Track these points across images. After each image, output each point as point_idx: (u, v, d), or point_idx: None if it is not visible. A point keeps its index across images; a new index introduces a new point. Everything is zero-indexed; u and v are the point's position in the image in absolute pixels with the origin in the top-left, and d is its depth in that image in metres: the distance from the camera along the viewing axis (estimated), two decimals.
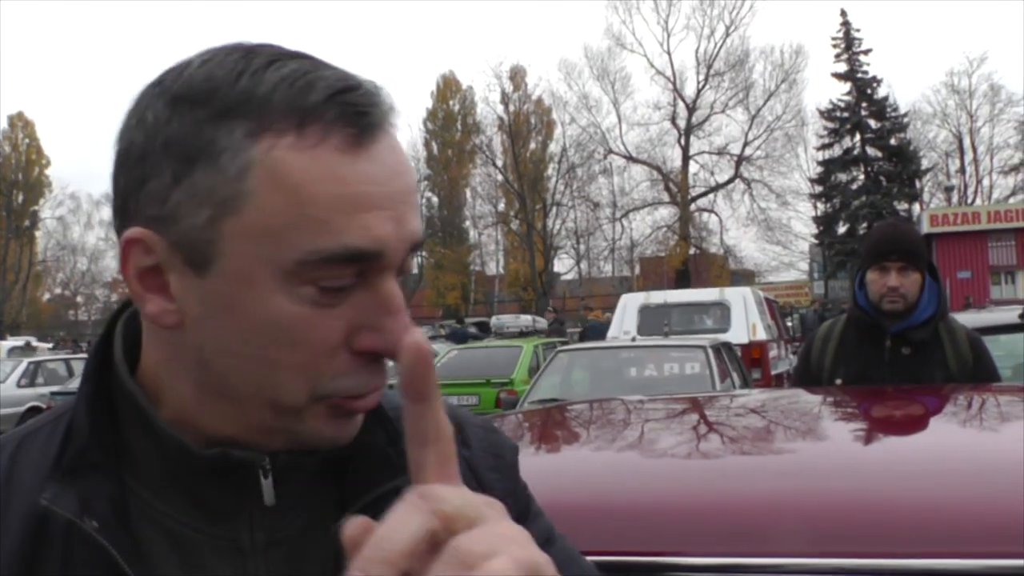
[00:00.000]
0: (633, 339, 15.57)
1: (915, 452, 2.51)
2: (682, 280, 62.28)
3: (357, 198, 1.07)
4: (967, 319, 6.72)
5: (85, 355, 26.76)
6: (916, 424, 3.00)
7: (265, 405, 1.13)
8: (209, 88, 1.08)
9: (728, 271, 67.87)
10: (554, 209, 74.78)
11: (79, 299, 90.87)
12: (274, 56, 1.10)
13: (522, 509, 1.42)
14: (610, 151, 71.40)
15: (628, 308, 19.22)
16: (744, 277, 65.09)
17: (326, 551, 1.21)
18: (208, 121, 1.07)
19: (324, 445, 1.18)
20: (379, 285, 1.11)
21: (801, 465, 2.37)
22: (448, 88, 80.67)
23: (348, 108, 1.09)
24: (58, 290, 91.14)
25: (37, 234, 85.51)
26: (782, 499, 2.03)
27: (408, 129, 74.23)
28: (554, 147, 75.88)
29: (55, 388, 24.89)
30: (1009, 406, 3.16)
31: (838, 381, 4.62)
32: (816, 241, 68.32)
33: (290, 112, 1.07)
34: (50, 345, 46.65)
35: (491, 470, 1.41)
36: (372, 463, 1.24)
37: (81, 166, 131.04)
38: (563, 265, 79.64)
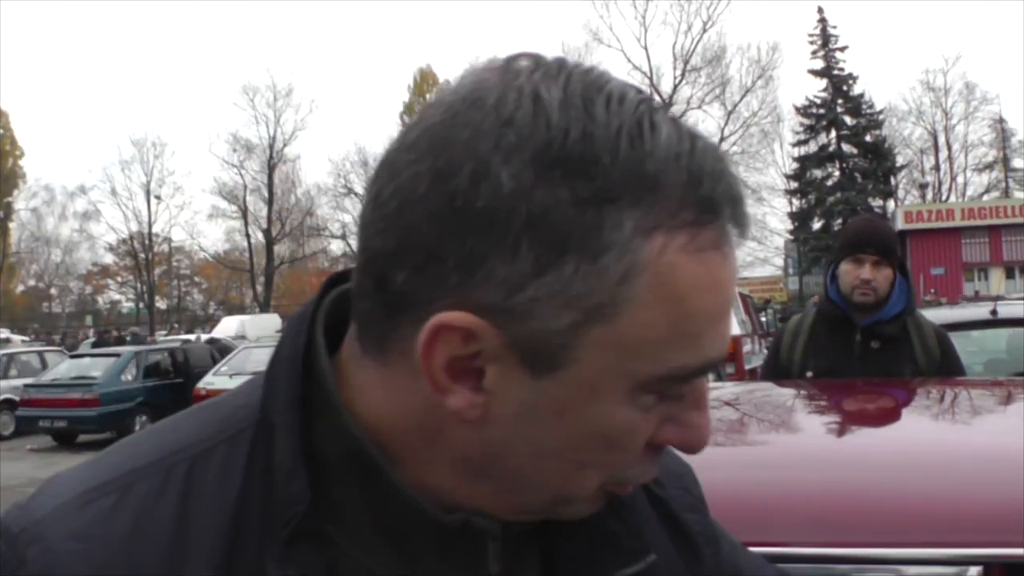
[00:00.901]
0: None
1: (886, 444, 2.54)
2: None
3: (724, 306, 0.95)
4: (936, 315, 6.77)
5: (58, 348, 26.58)
6: (887, 417, 3.03)
7: (547, 497, 1.01)
8: (588, 155, 0.88)
9: None
10: None
11: (53, 291, 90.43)
12: (637, 106, 0.92)
13: (715, 541, 1.32)
14: None
15: None
16: None
17: None
18: (592, 203, 0.87)
19: (570, 519, 1.07)
20: (698, 381, 0.99)
21: (776, 456, 2.40)
22: (425, 81, 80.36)
23: (739, 205, 0.94)
24: (32, 282, 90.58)
25: (11, 225, 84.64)
26: (758, 489, 2.06)
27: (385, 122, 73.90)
28: None
29: (28, 380, 24.72)
30: (977, 400, 3.20)
31: (808, 374, 4.65)
32: (791, 237, 68.61)
33: (685, 205, 0.90)
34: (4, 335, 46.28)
35: (688, 511, 1.28)
36: (592, 538, 1.12)
37: (56, 157, 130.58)
38: None
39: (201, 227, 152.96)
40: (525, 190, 0.87)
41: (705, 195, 0.90)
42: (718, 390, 4.27)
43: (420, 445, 1.00)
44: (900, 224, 54.44)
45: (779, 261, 72.68)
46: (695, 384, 0.99)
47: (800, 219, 67.74)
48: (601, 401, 0.93)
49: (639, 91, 0.94)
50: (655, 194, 0.89)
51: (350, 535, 1.01)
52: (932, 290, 42.96)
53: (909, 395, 3.42)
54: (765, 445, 2.61)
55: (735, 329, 17.83)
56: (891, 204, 67.62)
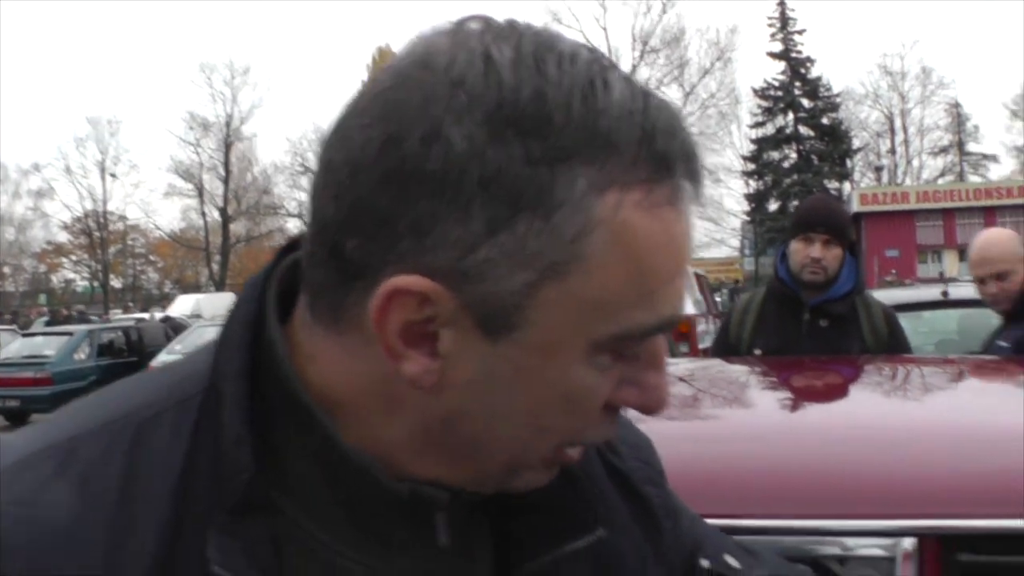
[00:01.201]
0: None
1: (831, 419, 2.58)
2: None
3: (680, 262, 0.95)
4: (889, 296, 6.83)
5: (11, 327, 26.38)
6: (833, 393, 3.06)
7: (503, 464, 1.00)
8: (541, 113, 0.87)
9: None
10: None
11: (6, 270, 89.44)
12: (590, 65, 0.91)
13: (675, 513, 1.32)
14: None
15: None
16: None
17: None
18: (544, 161, 0.86)
19: (524, 490, 1.05)
20: (655, 340, 0.99)
21: (723, 431, 2.43)
22: (384, 60, 78.91)
23: (693, 161, 0.94)
24: None
25: None
26: (706, 463, 2.07)
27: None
28: None
29: None
30: (922, 377, 3.23)
31: (757, 352, 4.68)
32: (747, 218, 69.04)
33: (640, 162, 0.89)
34: None
35: (648, 484, 1.28)
36: (542, 511, 1.10)
37: (9, 135, 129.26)
38: None
39: (156, 206, 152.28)
40: (477, 150, 0.86)
41: (659, 152, 0.90)
42: (672, 366, 4.30)
43: (375, 414, 0.98)
44: (855, 206, 55.07)
45: (735, 242, 73.12)
46: (651, 344, 0.98)
47: (756, 200, 68.24)
48: (558, 362, 0.93)
49: (592, 50, 0.93)
50: (608, 151, 0.88)
51: (301, 505, 0.99)
52: (892, 271, 43.39)
53: (855, 372, 3.44)
54: (713, 420, 2.63)
55: (689, 308, 17.86)
56: (847, 186, 68.15)
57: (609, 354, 0.95)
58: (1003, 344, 4.93)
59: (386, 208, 0.88)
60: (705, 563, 1.35)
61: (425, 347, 0.92)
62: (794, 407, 2.82)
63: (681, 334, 16.01)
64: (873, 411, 2.64)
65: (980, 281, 5.08)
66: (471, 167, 0.86)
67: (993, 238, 5.16)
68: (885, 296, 6.46)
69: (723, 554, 1.37)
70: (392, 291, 0.89)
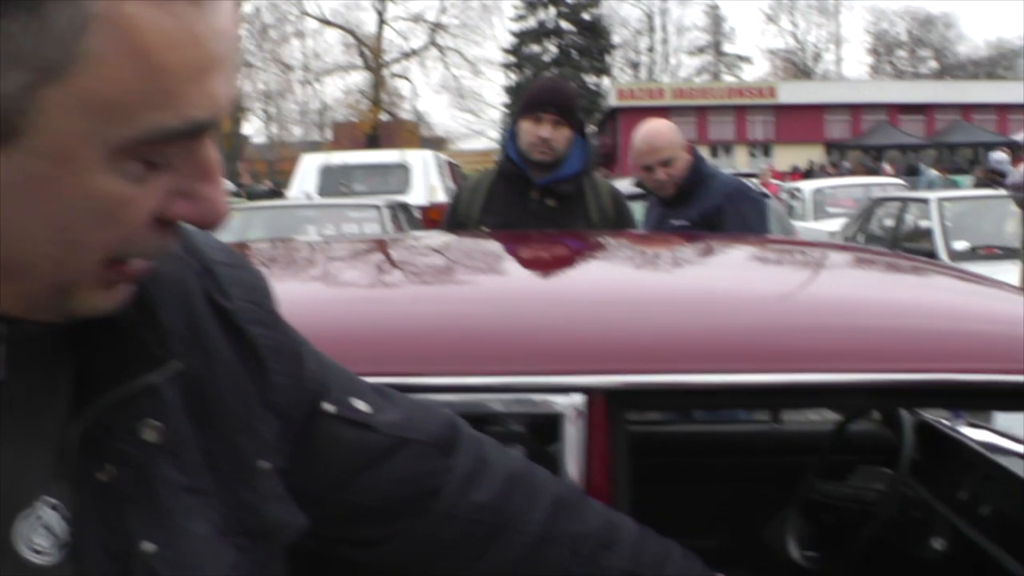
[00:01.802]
0: (310, 199, 15.51)
1: (524, 283, 2.63)
2: (373, 145, 62.10)
3: (207, 61, 0.89)
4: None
5: None
6: (535, 262, 3.08)
7: (47, 284, 0.95)
8: None
9: (419, 137, 68.23)
10: (244, 70, 73.11)
11: None
12: None
13: (295, 358, 1.30)
14: (305, 13, 70.14)
15: (308, 168, 18.94)
16: (435, 143, 65.49)
17: (57, 429, 1.02)
18: None
19: (90, 315, 1.01)
20: (200, 150, 0.95)
21: (418, 293, 2.43)
22: None
23: None
24: None
25: None
26: (389, 322, 2.05)
27: None
28: (247, 7, 74.06)
29: None
30: (623, 248, 3.29)
31: (484, 229, 4.69)
32: (506, 110, 69.64)
33: None
34: None
35: (256, 324, 1.24)
36: (121, 343, 1.05)
37: None
38: (252, 128, 78.29)
39: None
40: None
41: None
42: (424, 239, 4.32)
43: None
44: (614, 101, 56.16)
45: (494, 134, 73.80)
46: (198, 153, 0.95)
47: (516, 93, 68.67)
48: (76, 170, 0.88)
49: None
50: None
51: None
52: None
53: (564, 244, 3.48)
54: (405, 285, 2.60)
55: (442, 197, 17.91)
56: (605, 81, 69.41)
57: (139, 162, 0.90)
58: (680, 222, 5.26)
59: None
60: (328, 407, 1.32)
61: None
62: (492, 273, 2.82)
63: (432, 220, 16.07)
64: (565, 277, 2.70)
65: (647, 169, 5.33)
66: None
67: (657, 128, 5.45)
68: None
69: (350, 397, 1.34)
70: None
